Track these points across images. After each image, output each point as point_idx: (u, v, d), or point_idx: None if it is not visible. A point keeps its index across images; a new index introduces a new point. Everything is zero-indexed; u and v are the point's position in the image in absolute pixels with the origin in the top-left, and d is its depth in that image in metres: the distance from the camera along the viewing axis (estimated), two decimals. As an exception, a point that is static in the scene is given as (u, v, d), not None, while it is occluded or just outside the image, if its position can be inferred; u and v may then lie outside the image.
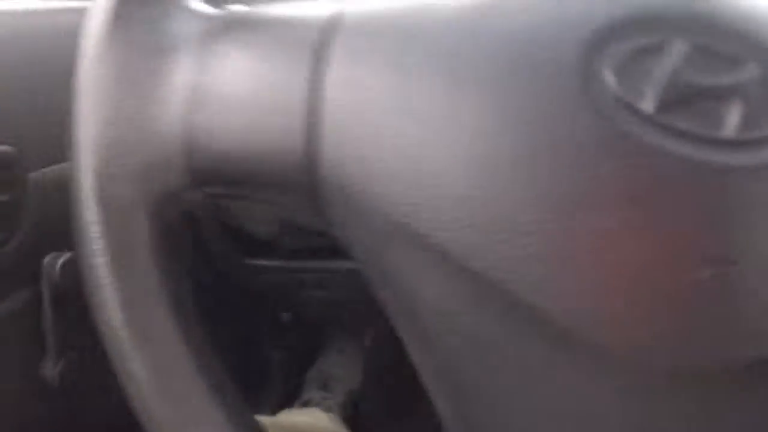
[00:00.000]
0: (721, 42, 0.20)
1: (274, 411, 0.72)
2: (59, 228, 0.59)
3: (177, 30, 0.26)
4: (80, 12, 0.70)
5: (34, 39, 0.55)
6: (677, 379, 0.21)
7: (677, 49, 0.20)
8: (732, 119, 0.19)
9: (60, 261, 0.57)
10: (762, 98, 0.19)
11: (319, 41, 0.24)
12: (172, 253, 0.28)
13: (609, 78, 0.19)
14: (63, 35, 0.58)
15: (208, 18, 0.27)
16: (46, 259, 0.58)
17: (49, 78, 0.56)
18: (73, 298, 0.60)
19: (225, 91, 0.25)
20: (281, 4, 0.28)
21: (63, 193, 0.57)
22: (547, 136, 0.20)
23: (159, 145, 0.26)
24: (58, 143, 0.57)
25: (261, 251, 0.72)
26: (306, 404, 0.86)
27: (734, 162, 0.19)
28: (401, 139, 0.22)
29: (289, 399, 0.90)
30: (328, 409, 0.81)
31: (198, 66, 0.26)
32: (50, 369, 0.60)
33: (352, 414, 0.87)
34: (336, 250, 0.50)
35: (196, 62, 0.26)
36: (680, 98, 0.19)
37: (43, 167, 0.56)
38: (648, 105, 0.19)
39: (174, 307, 0.28)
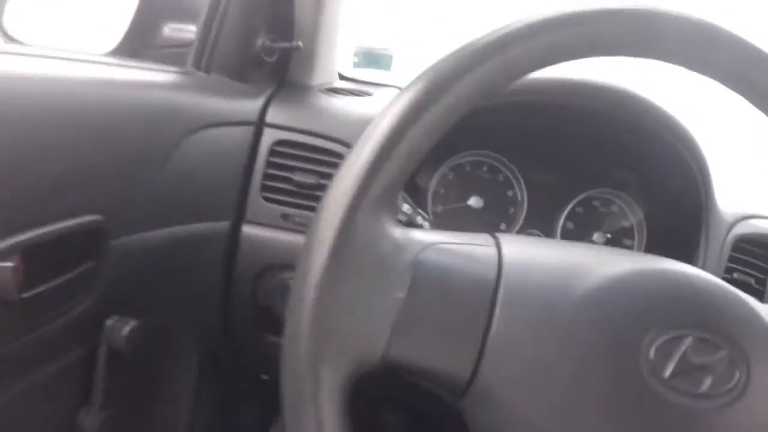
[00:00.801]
0: (711, 335, 0.36)
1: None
2: (125, 294, 0.62)
3: (392, 254, 0.36)
4: (167, 86, 0.71)
5: (119, 111, 0.57)
6: None
7: (687, 340, 0.35)
8: (706, 383, 0.35)
9: (127, 328, 0.59)
10: (725, 372, 0.35)
11: (495, 284, 0.36)
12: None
13: (651, 354, 0.35)
14: (146, 108, 0.60)
15: (409, 248, 0.36)
16: (109, 322, 0.60)
17: (132, 150, 0.59)
18: (129, 362, 0.62)
19: (421, 316, 0.35)
20: (461, 240, 0.38)
21: (135, 261, 0.60)
22: (616, 381, 0.35)
23: (368, 335, 0.35)
24: (137, 212, 0.60)
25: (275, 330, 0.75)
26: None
27: (705, 407, 0.35)
28: (534, 373, 0.35)
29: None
30: None
31: (407, 287, 0.35)
32: (91, 420, 0.62)
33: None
34: None
35: (404, 284, 0.35)
36: (684, 370, 0.35)
37: (123, 236, 0.59)
38: (666, 372, 0.35)
39: None
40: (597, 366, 0.35)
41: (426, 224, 0.49)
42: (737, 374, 0.35)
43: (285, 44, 0.75)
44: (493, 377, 0.35)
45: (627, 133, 0.73)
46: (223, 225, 0.70)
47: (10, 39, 0.76)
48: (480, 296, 0.36)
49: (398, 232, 0.36)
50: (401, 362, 0.35)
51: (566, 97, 0.71)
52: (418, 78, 0.35)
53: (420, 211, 0.50)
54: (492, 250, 0.38)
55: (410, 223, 0.48)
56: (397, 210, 0.36)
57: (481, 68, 0.34)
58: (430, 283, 0.36)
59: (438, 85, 0.34)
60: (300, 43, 0.77)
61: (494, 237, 0.40)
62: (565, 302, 0.36)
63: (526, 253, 0.39)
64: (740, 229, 0.72)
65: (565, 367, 0.35)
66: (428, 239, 0.37)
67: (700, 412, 0.35)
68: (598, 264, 0.38)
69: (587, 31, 0.36)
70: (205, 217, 0.68)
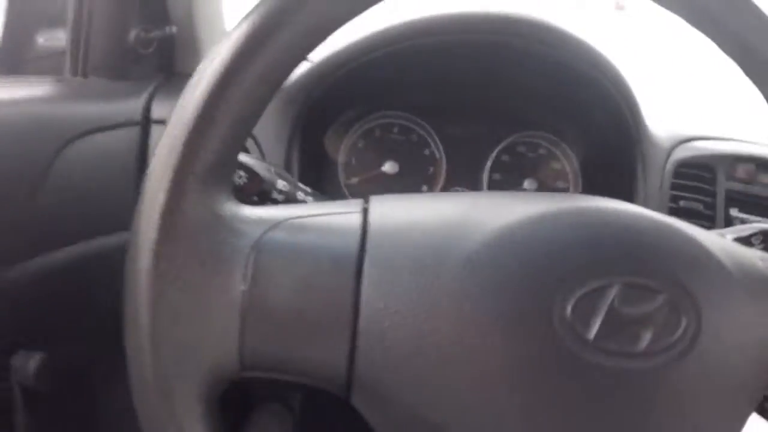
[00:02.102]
0: (643, 278, 0.29)
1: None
2: (26, 326, 0.58)
3: (227, 241, 0.30)
4: (34, 100, 0.66)
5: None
6: None
7: (613, 289, 0.29)
8: (645, 338, 0.29)
9: (32, 361, 0.55)
10: (667, 321, 0.29)
11: (357, 258, 0.30)
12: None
13: (568, 313, 0.28)
14: (10, 126, 0.55)
15: (248, 230, 0.30)
16: (16, 358, 0.56)
17: (7, 176, 0.54)
18: (45, 398, 0.59)
19: (272, 309, 0.29)
20: (320, 210, 0.32)
21: (28, 291, 0.56)
22: (524, 353, 0.28)
23: (215, 344, 0.29)
24: (18, 239, 0.56)
25: None
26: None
27: (646, 366, 0.28)
28: (421, 358, 0.29)
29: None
30: None
31: (249, 278, 0.29)
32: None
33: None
34: None
35: (246, 274, 0.29)
36: (613, 327, 0.29)
37: (5, 266, 0.55)
38: (591, 333, 0.28)
39: None
40: (497, 339, 0.28)
41: (309, 199, 0.45)
42: (683, 321, 0.29)
43: (158, 33, 0.70)
44: (373, 369, 0.29)
45: (544, 70, 0.68)
46: (120, 237, 0.66)
47: None
48: (340, 275, 0.30)
49: (233, 212, 0.30)
50: (263, 365, 0.30)
51: (472, 35, 0.65)
52: (231, 31, 0.30)
53: (301, 185, 0.46)
54: (356, 218, 0.32)
55: (290, 201, 0.44)
56: (230, 188, 0.32)
57: (299, 13, 0.29)
58: (278, 269, 0.30)
59: (257, 33, 0.29)
60: (174, 28, 0.72)
61: (359, 202, 0.34)
62: (448, 267, 0.29)
63: (399, 214, 0.32)
64: (680, 153, 0.69)
65: (456, 346, 0.29)
66: (274, 216, 0.31)
67: (639, 373, 0.28)
68: (490, 214, 0.31)
69: None
70: (100, 230, 0.64)
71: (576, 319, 0.28)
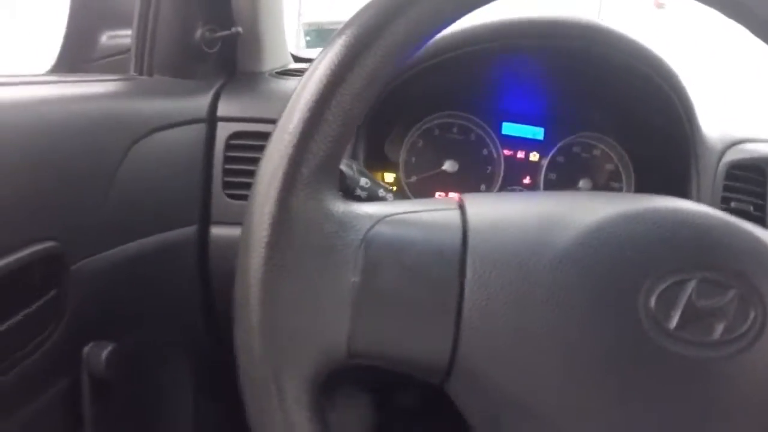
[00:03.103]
0: (716, 274, 0.32)
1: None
2: (98, 318, 0.59)
3: (338, 235, 0.32)
4: (104, 96, 0.67)
5: (57, 129, 0.54)
6: None
7: (690, 284, 0.31)
8: (718, 329, 0.31)
9: (104, 352, 0.56)
10: (737, 313, 0.31)
11: (460, 252, 0.32)
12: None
13: (652, 305, 0.31)
14: (84, 123, 0.57)
15: (357, 225, 0.32)
16: (86, 349, 0.57)
17: (77, 168, 0.55)
18: (114, 388, 0.60)
19: (381, 299, 0.31)
20: (420, 207, 0.34)
21: (102, 283, 0.57)
22: (613, 343, 0.31)
23: (326, 331, 0.31)
24: (94, 232, 0.57)
25: None
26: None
27: (719, 355, 0.31)
28: (519, 347, 0.31)
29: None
30: None
31: (360, 269, 0.31)
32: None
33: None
34: None
35: (357, 266, 0.31)
36: (691, 318, 0.31)
37: (83, 258, 0.56)
38: (671, 324, 0.31)
39: None
40: (589, 329, 0.31)
41: (389, 196, 0.46)
42: (752, 313, 0.31)
43: (224, 33, 0.71)
44: (474, 356, 0.31)
45: (601, 72, 0.68)
46: (189, 230, 0.67)
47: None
48: (446, 268, 0.32)
49: (342, 209, 0.32)
50: (370, 353, 0.32)
51: (531, 39, 0.66)
52: (339, 34, 0.31)
53: (381, 183, 0.46)
54: (454, 214, 0.34)
55: (372, 198, 0.45)
56: (337, 185, 0.33)
57: (405, 16, 0.31)
58: (387, 261, 0.31)
59: (361, 39, 0.31)
60: (239, 29, 0.73)
61: (455, 200, 0.36)
62: (543, 261, 0.32)
63: (494, 212, 0.35)
64: (731, 156, 0.69)
65: (553, 335, 0.31)
66: (379, 212, 0.33)
67: (714, 361, 0.31)
68: (576, 212, 0.34)
69: None
70: (170, 224, 0.65)
71: (658, 311, 0.31)
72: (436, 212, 0.34)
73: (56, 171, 0.53)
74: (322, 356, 0.31)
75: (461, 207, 0.34)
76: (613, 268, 0.32)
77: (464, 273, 0.32)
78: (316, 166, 0.31)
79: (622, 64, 0.65)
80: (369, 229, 0.32)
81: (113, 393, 0.60)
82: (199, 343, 0.73)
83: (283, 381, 0.30)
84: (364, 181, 0.45)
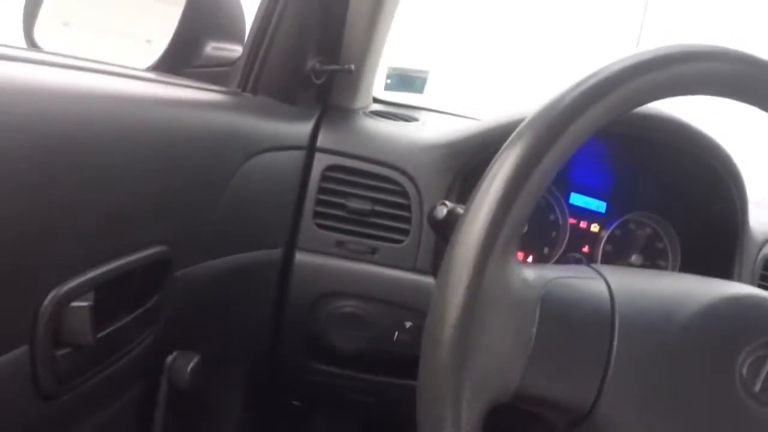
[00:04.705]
0: None
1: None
2: (184, 327, 0.59)
3: (521, 293, 0.38)
4: (225, 107, 0.67)
5: (179, 132, 0.54)
6: None
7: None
8: None
9: (191, 363, 0.56)
10: None
11: (610, 315, 0.39)
12: None
13: (744, 371, 0.39)
14: (207, 131, 0.58)
15: (536, 285, 0.39)
16: (170, 358, 0.57)
17: (195, 175, 0.56)
18: (189, 398, 0.60)
19: (549, 349, 0.38)
20: (570, 273, 0.41)
21: (196, 292, 0.57)
22: (722, 402, 0.39)
23: (505, 372, 0.37)
24: (201, 241, 0.57)
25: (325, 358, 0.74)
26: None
27: None
28: (649, 400, 0.38)
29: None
30: None
31: (536, 322, 0.38)
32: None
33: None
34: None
35: (535, 320, 0.38)
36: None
37: (187, 266, 0.56)
38: (757, 387, 0.39)
39: None
40: (700, 386, 0.39)
41: None
42: None
43: (335, 67, 0.73)
44: (612, 406, 0.38)
45: (667, 158, 0.74)
46: (275, 253, 0.68)
47: (35, 47, 0.72)
48: (600, 327, 0.39)
49: (524, 270, 0.39)
50: (531, 394, 0.38)
51: (621, 127, 0.70)
52: (528, 126, 0.37)
53: None
54: (601, 283, 0.41)
55: None
56: (516, 249, 0.38)
57: (599, 104, 0.37)
58: (556, 318, 0.38)
59: (554, 128, 0.36)
60: (352, 66, 0.75)
61: (594, 269, 0.43)
62: (671, 329, 0.39)
63: (633, 285, 0.42)
64: None
65: (674, 391, 0.38)
66: (545, 275, 0.40)
67: None
68: (693, 292, 0.42)
69: (707, 67, 0.38)
70: (259, 244, 0.66)
71: (748, 377, 0.39)
72: (587, 280, 0.42)
73: (176, 175, 0.53)
74: (497, 391, 0.37)
75: (603, 277, 0.42)
76: (721, 340, 0.40)
77: (613, 332, 0.39)
78: (507, 238, 0.36)
79: (691, 155, 0.71)
80: (542, 289, 0.39)
81: (181, 403, 0.60)
82: (258, 364, 0.73)
83: (461, 409, 0.35)
84: None
